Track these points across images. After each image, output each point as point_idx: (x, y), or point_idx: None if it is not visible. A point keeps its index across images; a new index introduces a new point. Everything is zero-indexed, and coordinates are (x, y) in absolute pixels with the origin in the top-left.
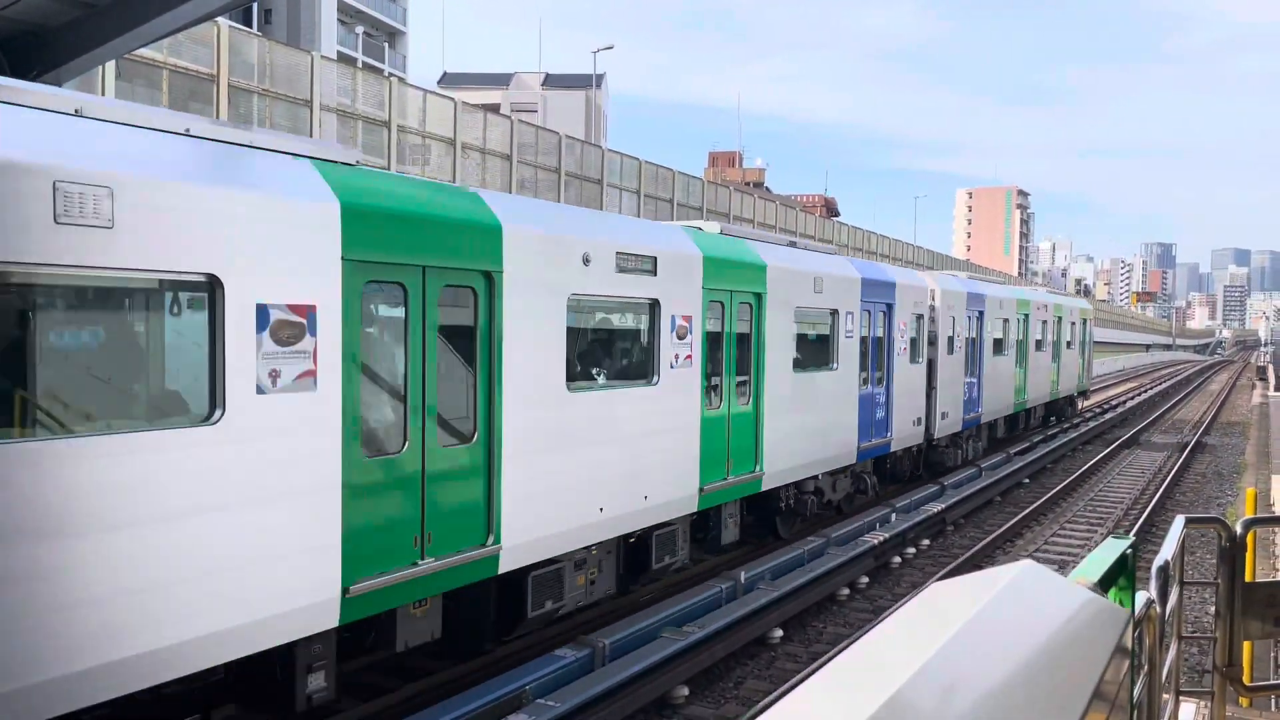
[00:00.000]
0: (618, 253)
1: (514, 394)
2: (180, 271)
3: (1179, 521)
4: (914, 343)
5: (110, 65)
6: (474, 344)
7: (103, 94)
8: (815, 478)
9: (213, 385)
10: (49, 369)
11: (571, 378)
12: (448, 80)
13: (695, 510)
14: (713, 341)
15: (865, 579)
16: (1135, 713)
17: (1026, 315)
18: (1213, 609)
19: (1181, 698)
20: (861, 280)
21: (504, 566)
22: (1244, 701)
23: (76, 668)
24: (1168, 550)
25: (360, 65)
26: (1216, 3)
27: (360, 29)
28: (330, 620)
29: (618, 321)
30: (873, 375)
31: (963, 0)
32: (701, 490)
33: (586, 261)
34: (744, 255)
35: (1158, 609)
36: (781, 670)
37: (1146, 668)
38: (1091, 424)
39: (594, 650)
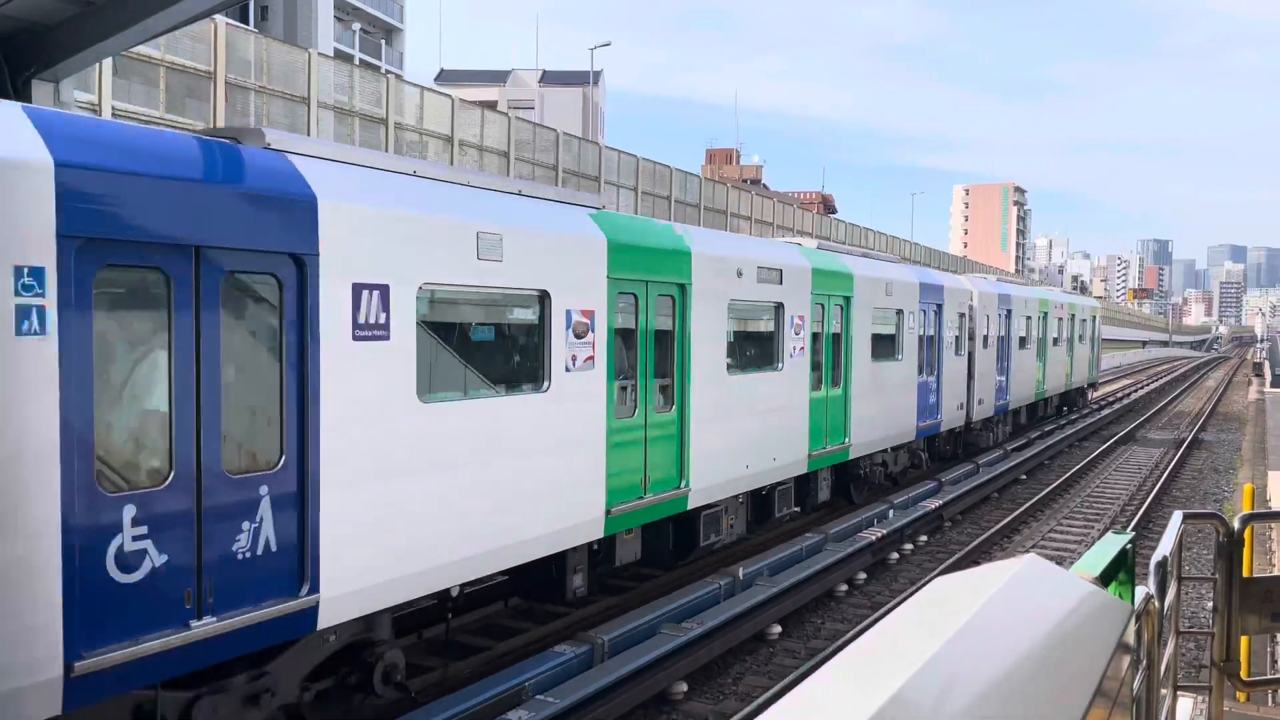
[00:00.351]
0: (759, 267)
1: (697, 376)
2: (530, 288)
3: (1177, 517)
4: (958, 338)
5: (108, 62)
6: (671, 338)
7: (99, 90)
8: (885, 451)
9: (542, 365)
10: (473, 351)
11: (729, 365)
12: (445, 77)
13: (805, 471)
14: (814, 336)
15: (863, 575)
16: (1135, 708)
17: (1045, 314)
18: (1210, 604)
19: (1179, 693)
20: (919, 284)
21: (691, 504)
22: (1241, 696)
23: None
24: (1166, 545)
25: (357, 62)
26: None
27: (357, 26)
28: (598, 532)
29: (755, 322)
30: (926, 365)
31: None
32: (810, 455)
33: (739, 274)
34: (838, 266)
35: (1156, 604)
36: (780, 666)
37: (1145, 662)
38: (1090, 419)
39: (593, 646)
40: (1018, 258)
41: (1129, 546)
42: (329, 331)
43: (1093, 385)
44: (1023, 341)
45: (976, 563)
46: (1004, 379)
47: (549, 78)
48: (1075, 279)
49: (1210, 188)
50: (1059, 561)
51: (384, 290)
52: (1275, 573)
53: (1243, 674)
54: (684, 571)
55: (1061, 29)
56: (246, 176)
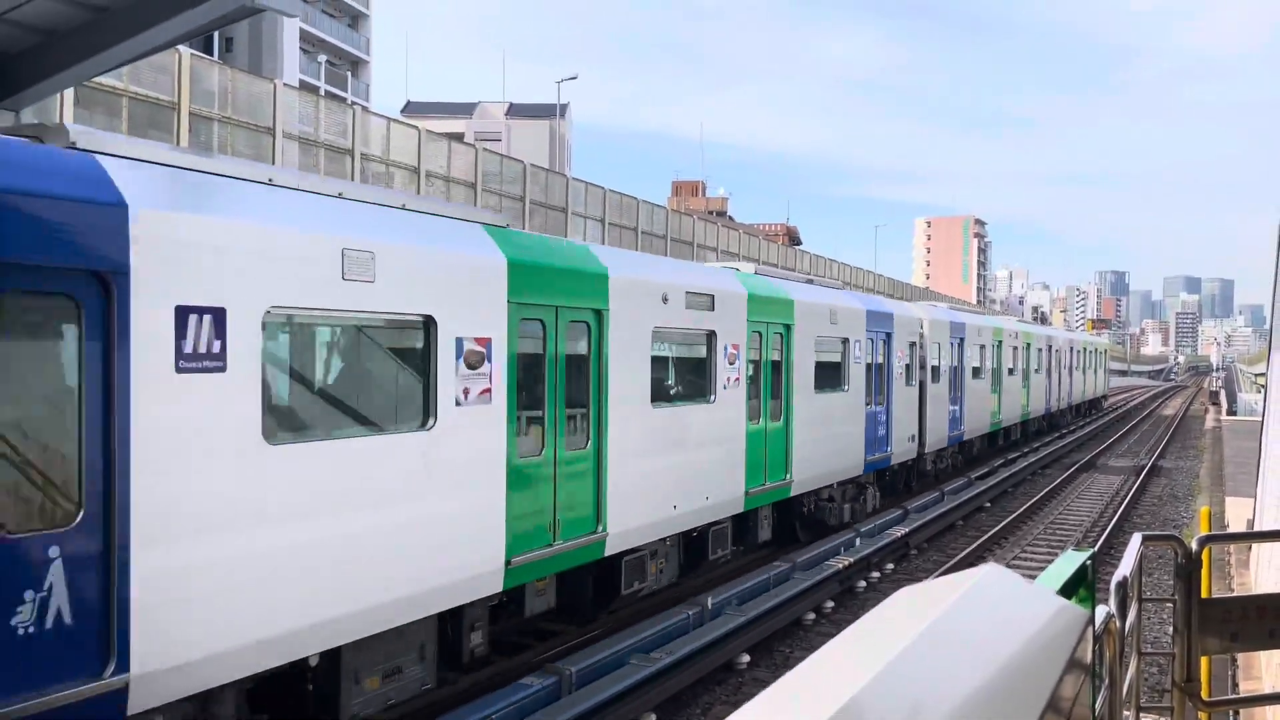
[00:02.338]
0: (687, 292)
1: (616, 409)
2: (410, 313)
3: (1136, 539)
4: (908, 367)
5: (69, 92)
6: (586, 367)
7: (60, 119)
8: (831, 486)
9: (426, 400)
10: (339, 386)
11: (653, 396)
12: (411, 109)
13: (742, 510)
14: (753, 366)
15: (831, 603)
16: None
17: (1000, 342)
18: (1169, 627)
19: (1142, 714)
20: (865, 311)
21: (609, 549)
22: (1203, 716)
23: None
24: (1126, 566)
25: (323, 94)
26: (1168, 35)
27: (323, 58)
28: (497, 585)
29: (684, 350)
30: (875, 395)
31: (921, 31)
32: (747, 493)
33: (665, 300)
34: (777, 292)
35: (1117, 623)
36: (749, 695)
37: (1108, 682)
38: (1051, 448)
39: (560, 678)
40: (979, 289)
41: (1088, 563)
42: (144, 362)
43: (1104, 396)
44: (976, 371)
45: None
46: (957, 409)
47: (515, 110)
48: (1035, 310)
49: (1165, 220)
50: None
51: (219, 314)
52: (1233, 594)
53: (1204, 694)
54: (654, 602)
55: (1020, 64)
56: (36, 179)
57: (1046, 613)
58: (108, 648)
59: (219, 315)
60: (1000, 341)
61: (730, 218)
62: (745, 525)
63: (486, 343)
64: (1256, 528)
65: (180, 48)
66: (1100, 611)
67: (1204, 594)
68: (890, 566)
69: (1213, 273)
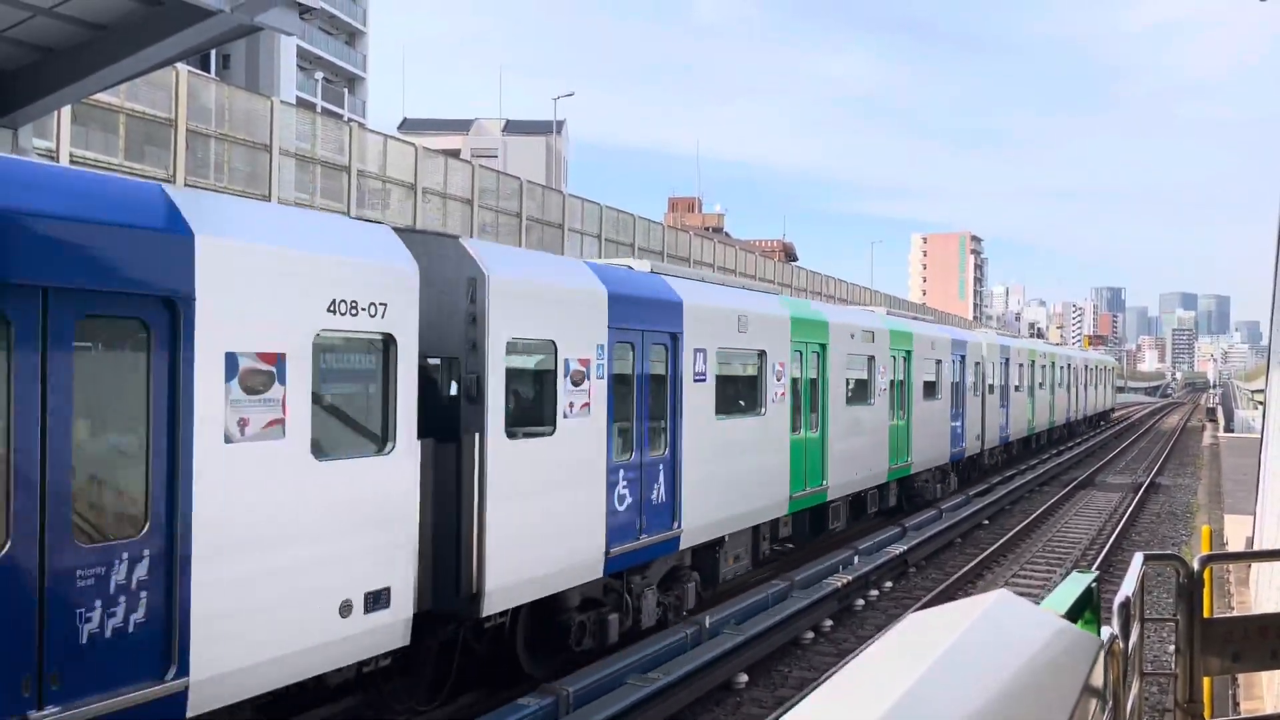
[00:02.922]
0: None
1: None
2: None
3: (1138, 558)
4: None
5: (67, 109)
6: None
7: (57, 137)
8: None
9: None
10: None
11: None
12: (408, 126)
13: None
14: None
15: (829, 622)
16: None
17: (1007, 360)
18: (1170, 647)
19: None
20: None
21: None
22: None
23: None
24: (1128, 586)
25: (320, 111)
26: (1161, 55)
27: (320, 75)
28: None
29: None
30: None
31: (919, 49)
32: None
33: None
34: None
35: (1121, 645)
36: (748, 715)
37: (1111, 704)
38: (1050, 464)
39: (558, 699)
40: (975, 305)
41: (1093, 585)
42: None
43: (1112, 409)
44: (1017, 387)
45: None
46: (1005, 416)
47: (512, 127)
48: (1032, 326)
49: (1161, 236)
50: None
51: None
52: (1233, 613)
53: (1206, 715)
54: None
55: (1015, 82)
56: (655, 290)
57: (1059, 640)
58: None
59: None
60: (1034, 361)
61: (726, 234)
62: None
63: (784, 365)
64: (1256, 546)
65: (178, 65)
66: (1104, 633)
67: (1205, 614)
68: (889, 584)
69: (1209, 289)
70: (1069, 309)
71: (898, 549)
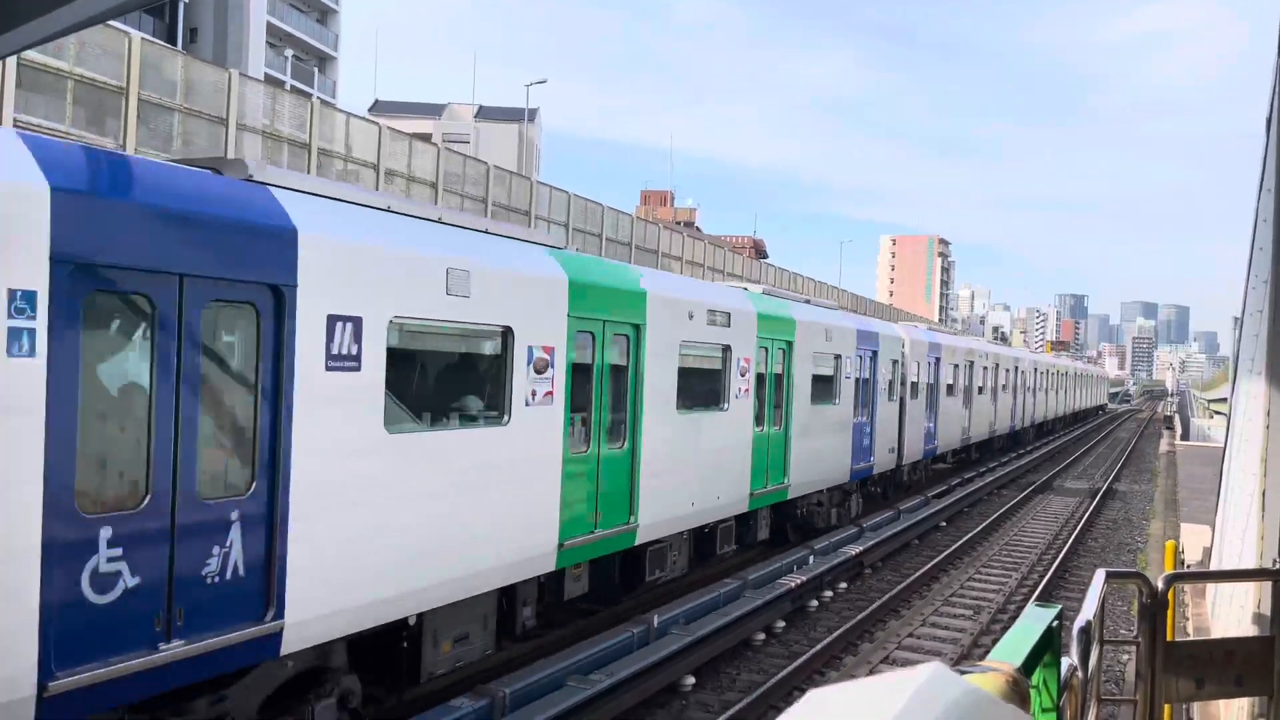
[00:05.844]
0: (708, 310)
1: (648, 414)
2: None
3: (1099, 576)
4: (891, 383)
5: (11, 74)
6: (625, 375)
7: (1, 101)
8: (820, 492)
9: (501, 397)
10: (433, 381)
11: (678, 404)
12: (379, 108)
13: (746, 510)
14: (759, 379)
15: (782, 623)
16: None
17: (972, 362)
18: (1127, 668)
19: None
20: (856, 330)
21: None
22: None
23: None
24: (1089, 609)
25: (289, 88)
26: (1132, 68)
27: (290, 53)
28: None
29: (704, 362)
30: (861, 408)
31: (893, 55)
32: (751, 494)
33: (691, 317)
34: (782, 311)
35: (1080, 675)
36: (691, 719)
37: None
38: (1009, 468)
39: (493, 700)
40: (941, 308)
41: (1055, 624)
42: (303, 362)
43: (1103, 407)
44: (950, 389)
45: (896, 612)
46: (932, 425)
47: (485, 113)
48: (996, 330)
49: (1124, 247)
50: (976, 611)
51: (357, 322)
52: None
53: None
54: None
55: (989, 90)
56: (239, 211)
57: None
58: (268, 596)
59: (357, 324)
60: (972, 362)
61: (698, 228)
62: (745, 525)
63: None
64: (1215, 560)
65: (130, 32)
66: (1064, 664)
67: (1169, 636)
68: (844, 585)
69: (1169, 299)
70: (1033, 314)
71: (854, 549)
